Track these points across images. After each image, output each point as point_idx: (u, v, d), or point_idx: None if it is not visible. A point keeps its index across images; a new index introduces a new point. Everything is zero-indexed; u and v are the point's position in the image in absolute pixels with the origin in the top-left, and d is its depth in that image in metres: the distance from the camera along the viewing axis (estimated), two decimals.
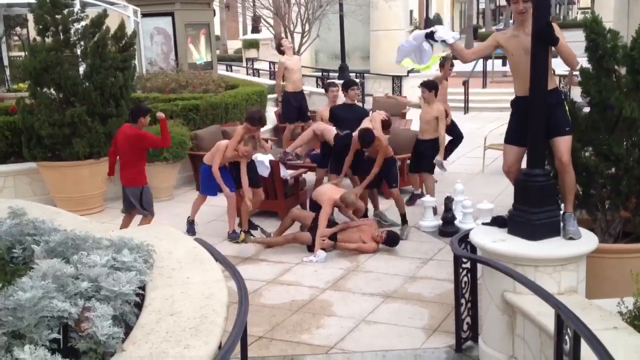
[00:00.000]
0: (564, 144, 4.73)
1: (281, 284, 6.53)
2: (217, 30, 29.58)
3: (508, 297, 4.51)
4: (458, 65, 10.75)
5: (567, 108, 4.84)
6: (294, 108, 11.57)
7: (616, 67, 5.27)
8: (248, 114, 8.14)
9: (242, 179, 7.67)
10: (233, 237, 7.72)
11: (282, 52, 11.90)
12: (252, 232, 7.84)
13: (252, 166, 7.96)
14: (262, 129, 8.46)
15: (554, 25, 4.63)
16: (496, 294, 4.63)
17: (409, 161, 9.23)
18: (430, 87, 8.55)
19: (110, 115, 8.84)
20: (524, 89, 4.74)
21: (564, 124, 4.75)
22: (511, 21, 41.40)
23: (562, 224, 4.69)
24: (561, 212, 4.78)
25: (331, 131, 8.33)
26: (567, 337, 3.53)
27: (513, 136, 4.98)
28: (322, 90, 17.81)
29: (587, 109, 5.48)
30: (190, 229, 7.85)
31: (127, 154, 7.14)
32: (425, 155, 8.62)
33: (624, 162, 5.22)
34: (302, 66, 13.12)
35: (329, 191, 7.46)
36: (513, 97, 5.04)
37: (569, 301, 3.89)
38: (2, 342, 2.57)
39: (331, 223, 7.40)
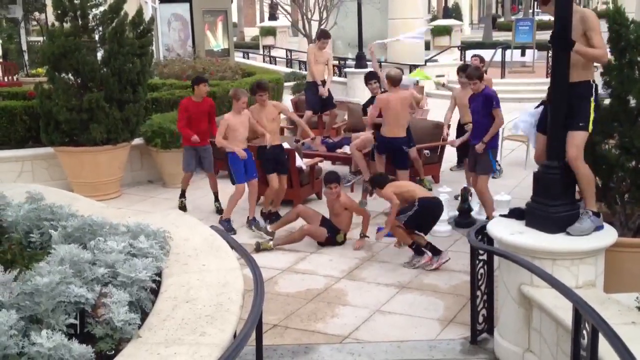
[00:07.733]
0: (573, 139, 4.57)
1: (296, 272, 6.53)
2: (234, 17, 29.55)
3: (525, 290, 4.47)
4: None
5: (592, 105, 4.65)
6: (317, 97, 11.57)
7: (639, 58, 5.19)
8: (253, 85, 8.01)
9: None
10: (251, 224, 7.70)
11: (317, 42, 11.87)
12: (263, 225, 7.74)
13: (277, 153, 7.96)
14: (281, 117, 8.44)
15: (590, 16, 4.52)
16: (513, 286, 4.59)
17: (427, 151, 9.18)
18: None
19: (128, 101, 8.85)
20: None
21: (578, 118, 4.59)
22: (530, 11, 40.55)
23: None
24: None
25: None
26: (584, 332, 3.50)
27: (542, 124, 4.89)
28: (339, 79, 17.83)
29: (607, 101, 5.41)
30: (229, 227, 7.54)
31: None
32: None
33: None
34: None
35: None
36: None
37: (587, 295, 3.86)
38: (20, 327, 2.59)
39: None
